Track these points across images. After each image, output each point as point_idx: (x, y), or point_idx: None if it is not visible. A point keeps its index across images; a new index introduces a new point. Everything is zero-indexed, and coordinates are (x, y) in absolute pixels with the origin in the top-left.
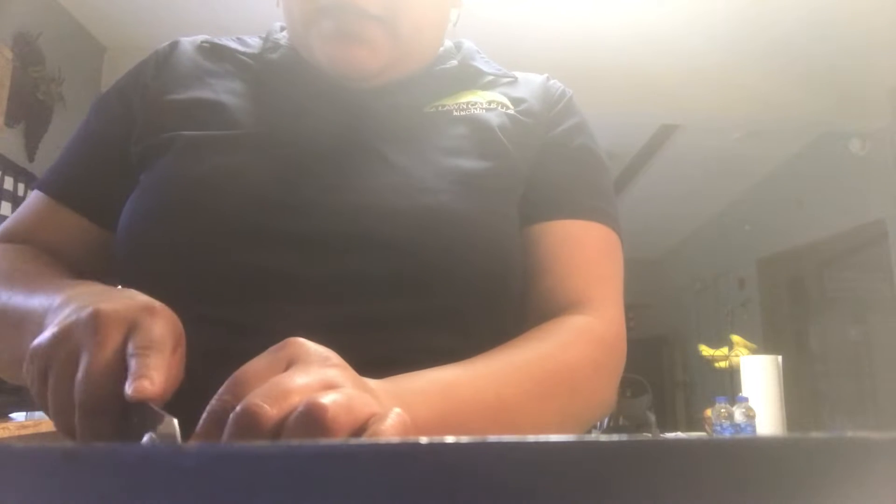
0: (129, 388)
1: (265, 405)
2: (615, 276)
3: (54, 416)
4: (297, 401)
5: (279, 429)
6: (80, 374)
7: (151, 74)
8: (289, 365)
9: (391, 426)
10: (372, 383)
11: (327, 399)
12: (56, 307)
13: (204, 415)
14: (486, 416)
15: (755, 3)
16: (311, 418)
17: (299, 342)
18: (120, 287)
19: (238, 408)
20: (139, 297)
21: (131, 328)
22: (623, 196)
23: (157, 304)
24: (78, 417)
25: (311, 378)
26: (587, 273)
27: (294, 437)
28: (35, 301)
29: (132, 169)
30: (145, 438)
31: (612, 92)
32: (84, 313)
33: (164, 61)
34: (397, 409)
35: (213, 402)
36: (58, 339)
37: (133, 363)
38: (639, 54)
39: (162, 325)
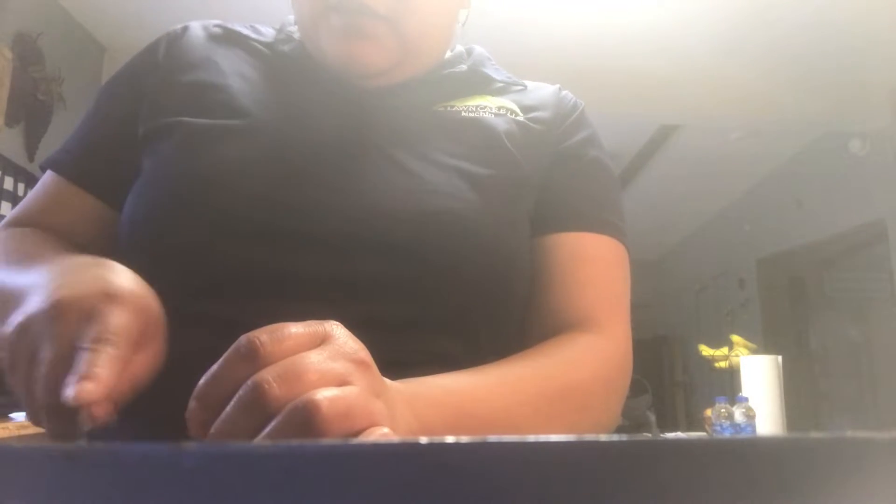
0: (69, 391)
1: (274, 385)
2: (624, 293)
3: (25, 409)
4: (304, 390)
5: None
6: (41, 373)
7: (163, 54)
8: (324, 340)
9: None
10: (391, 386)
11: (325, 401)
12: (37, 287)
13: (235, 345)
14: (494, 431)
15: (755, 3)
16: (303, 416)
17: (338, 329)
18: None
19: (250, 381)
20: (106, 280)
21: (89, 317)
22: (623, 196)
23: (122, 287)
24: (42, 415)
25: (330, 367)
26: (596, 290)
27: (282, 429)
28: (25, 278)
29: (138, 149)
30: None
31: (612, 92)
32: (44, 303)
33: (174, 42)
34: (385, 431)
35: (242, 338)
36: (19, 331)
37: (80, 360)
38: (639, 54)
39: (121, 313)
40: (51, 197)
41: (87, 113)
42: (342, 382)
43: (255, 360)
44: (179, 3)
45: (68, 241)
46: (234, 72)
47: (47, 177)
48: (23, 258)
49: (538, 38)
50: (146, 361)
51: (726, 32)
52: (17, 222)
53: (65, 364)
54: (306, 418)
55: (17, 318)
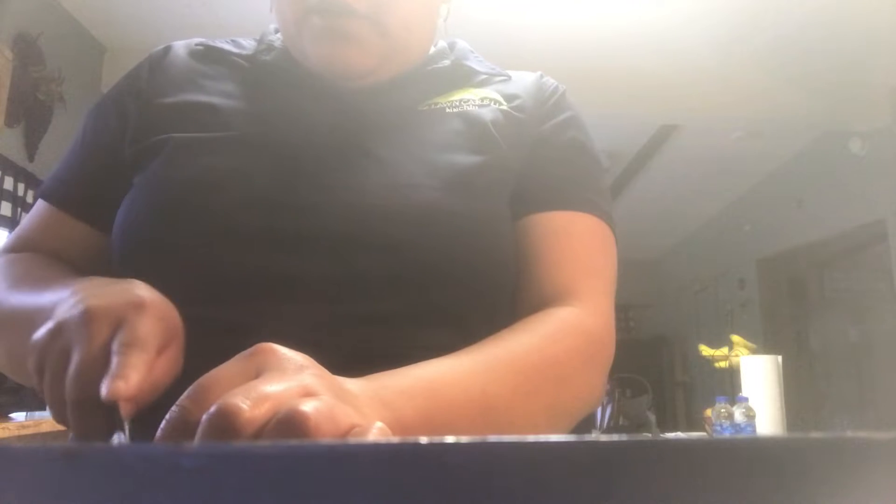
0: (103, 389)
1: (244, 406)
2: (605, 267)
3: (50, 409)
4: (274, 406)
5: (257, 435)
6: (70, 370)
7: (145, 78)
8: (259, 373)
9: None
10: (352, 385)
11: (308, 406)
12: (64, 300)
13: (162, 423)
14: (472, 414)
15: (755, 3)
16: (292, 426)
17: (270, 348)
18: (129, 279)
19: (214, 407)
20: (132, 292)
21: (119, 324)
22: (623, 196)
23: (147, 298)
24: (69, 412)
25: (288, 385)
26: (575, 264)
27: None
28: (45, 298)
29: (127, 172)
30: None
31: (612, 92)
32: (76, 310)
33: (157, 65)
34: (379, 424)
35: (172, 409)
36: (52, 334)
37: (113, 362)
38: (639, 54)
39: (148, 321)
40: (43, 224)
41: (76, 138)
42: (306, 395)
43: (202, 403)
44: (179, 4)
45: (67, 264)
46: (218, 91)
47: (40, 204)
48: (38, 280)
49: (538, 39)
50: (166, 366)
51: (726, 32)
52: (13, 249)
53: (94, 365)
54: (296, 429)
55: (49, 324)
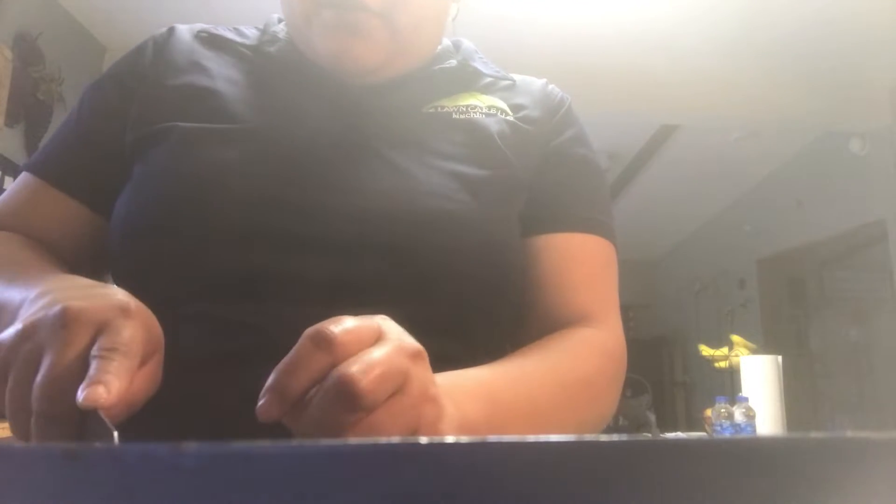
0: (80, 395)
1: (362, 382)
2: (614, 288)
3: (10, 419)
4: (385, 386)
5: (368, 409)
6: (39, 377)
7: (150, 61)
8: (377, 339)
9: None
10: (436, 377)
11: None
12: (32, 299)
13: (299, 343)
14: (521, 420)
15: (755, 3)
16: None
17: (389, 322)
18: (108, 283)
19: (336, 374)
20: (116, 296)
21: (101, 329)
22: (623, 196)
23: (133, 304)
24: (34, 422)
25: (396, 364)
26: (591, 288)
27: (380, 425)
28: (13, 291)
29: (127, 154)
30: None
31: (612, 92)
32: (52, 310)
33: (161, 47)
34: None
35: (304, 343)
36: (21, 335)
37: (93, 366)
38: (639, 54)
39: (134, 327)
40: (31, 199)
41: (69, 117)
42: (406, 376)
43: (330, 350)
44: (180, 4)
45: (48, 246)
46: (223, 77)
47: (26, 179)
48: (8, 267)
49: (538, 37)
50: (144, 381)
51: (726, 32)
52: None
53: (68, 372)
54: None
55: (16, 325)
